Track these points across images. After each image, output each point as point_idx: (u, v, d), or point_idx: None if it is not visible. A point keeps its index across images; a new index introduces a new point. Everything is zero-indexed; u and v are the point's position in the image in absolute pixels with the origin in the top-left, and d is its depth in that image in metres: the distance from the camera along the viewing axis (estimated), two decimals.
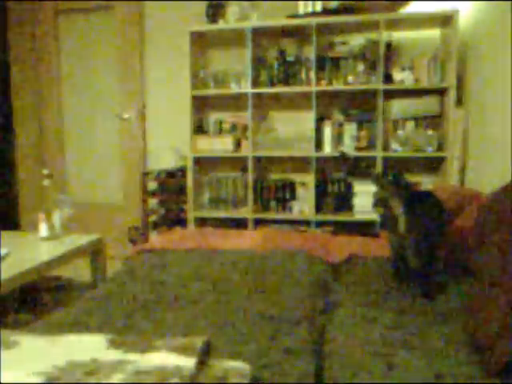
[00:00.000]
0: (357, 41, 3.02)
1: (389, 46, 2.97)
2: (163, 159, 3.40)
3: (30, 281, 2.00)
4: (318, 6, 2.95)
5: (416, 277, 1.42)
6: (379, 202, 1.68)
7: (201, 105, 3.33)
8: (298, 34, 3.14)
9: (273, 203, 3.19)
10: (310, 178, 3.10)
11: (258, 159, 3.19)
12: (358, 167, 1.37)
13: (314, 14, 2.94)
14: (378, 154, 2.87)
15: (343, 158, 1.37)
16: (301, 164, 3.28)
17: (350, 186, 3.05)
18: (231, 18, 3.08)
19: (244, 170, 3.20)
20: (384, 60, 2.84)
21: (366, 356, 1.01)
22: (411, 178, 3.00)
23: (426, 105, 2.91)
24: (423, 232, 1.39)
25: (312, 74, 2.95)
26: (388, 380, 0.92)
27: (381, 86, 2.83)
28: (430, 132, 2.86)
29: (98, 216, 3.76)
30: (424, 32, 3.04)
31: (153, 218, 3.43)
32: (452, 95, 2.73)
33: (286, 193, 3.19)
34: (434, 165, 3.06)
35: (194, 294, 1.42)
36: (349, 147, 2.98)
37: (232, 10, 3.09)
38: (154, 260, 1.80)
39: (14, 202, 3.92)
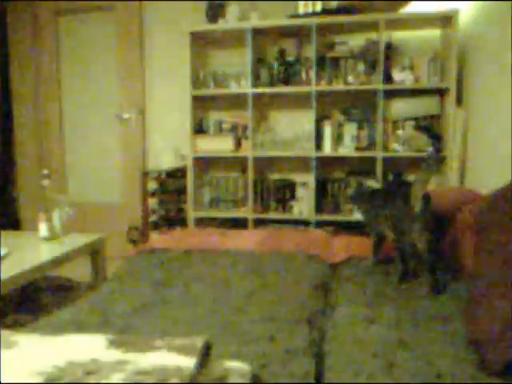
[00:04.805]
0: (357, 41, 3.02)
1: (389, 46, 2.97)
2: (163, 159, 3.40)
3: (30, 281, 2.00)
4: (318, 6, 2.95)
5: (425, 265, 1.42)
6: (360, 197, 1.68)
7: (201, 105, 3.33)
8: (298, 33, 3.14)
9: (273, 203, 3.19)
10: (309, 178, 3.10)
11: (257, 159, 3.19)
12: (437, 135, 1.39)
13: (314, 14, 2.94)
14: (378, 154, 2.87)
15: (425, 128, 1.40)
16: (301, 164, 3.28)
17: (349, 186, 3.06)
18: (231, 18, 3.08)
19: (244, 171, 3.20)
20: (384, 60, 2.83)
21: (365, 356, 1.01)
22: (411, 178, 3.00)
23: (426, 105, 2.91)
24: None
25: (312, 74, 2.95)
26: (388, 380, 0.92)
27: (381, 86, 2.83)
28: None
29: (98, 216, 3.76)
30: (424, 32, 3.04)
31: (153, 218, 3.43)
32: (452, 95, 2.73)
33: (286, 193, 3.19)
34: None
35: (194, 294, 1.42)
36: (349, 147, 2.99)
37: (232, 9, 3.09)
38: (154, 260, 1.80)
39: (14, 202, 3.92)
